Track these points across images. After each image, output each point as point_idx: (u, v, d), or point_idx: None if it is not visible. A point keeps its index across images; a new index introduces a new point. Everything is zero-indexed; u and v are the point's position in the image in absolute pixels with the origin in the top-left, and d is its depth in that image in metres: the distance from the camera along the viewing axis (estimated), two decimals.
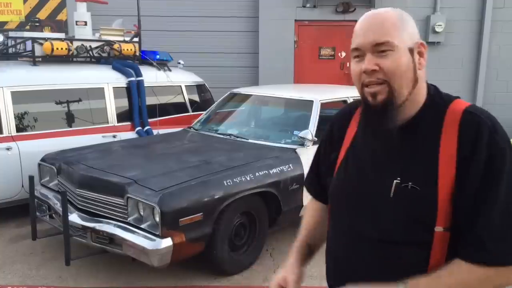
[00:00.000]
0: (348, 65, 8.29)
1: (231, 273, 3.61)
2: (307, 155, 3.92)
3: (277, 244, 4.15)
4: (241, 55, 8.30)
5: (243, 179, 3.50)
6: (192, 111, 6.12)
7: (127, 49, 5.80)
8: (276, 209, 3.81)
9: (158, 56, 6.05)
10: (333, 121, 1.42)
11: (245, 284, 3.53)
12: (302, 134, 4.04)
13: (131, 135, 5.38)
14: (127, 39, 6.01)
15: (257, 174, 3.61)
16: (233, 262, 3.60)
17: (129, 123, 5.49)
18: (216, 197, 3.33)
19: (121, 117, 5.43)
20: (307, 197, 1.60)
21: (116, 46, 5.71)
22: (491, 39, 8.05)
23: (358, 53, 1.17)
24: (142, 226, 3.18)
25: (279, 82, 7.36)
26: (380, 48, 1.13)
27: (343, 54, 8.27)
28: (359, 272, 1.22)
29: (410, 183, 1.13)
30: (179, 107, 6.08)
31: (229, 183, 3.42)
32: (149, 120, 5.63)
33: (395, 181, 1.15)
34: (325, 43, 8.23)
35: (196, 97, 6.37)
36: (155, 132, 5.50)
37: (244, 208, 3.62)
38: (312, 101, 4.50)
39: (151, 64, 5.98)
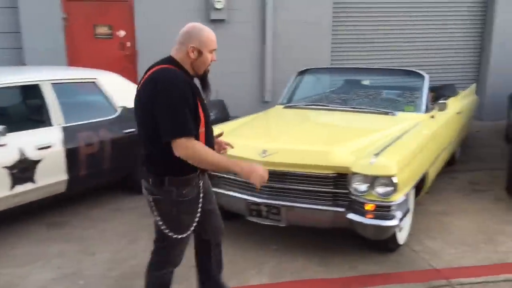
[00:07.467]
0: (128, 44, 7.62)
1: None
2: None
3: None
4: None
5: None
6: None
7: None
8: None
9: None
10: (190, 85, 2.27)
11: None
12: None
13: None
14: None
15: None
16: None
17: None
18: None
19: None
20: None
21: None
22: (275, 15, 7.82)
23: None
24: None
25: (48, 64, 6.52)
26: None
27: (122, 33, 7.56)
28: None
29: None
30: None
31: None
32: None
33: None
34: (99, 20, 7.47)
35: None
36: None
37: None
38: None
39: None
